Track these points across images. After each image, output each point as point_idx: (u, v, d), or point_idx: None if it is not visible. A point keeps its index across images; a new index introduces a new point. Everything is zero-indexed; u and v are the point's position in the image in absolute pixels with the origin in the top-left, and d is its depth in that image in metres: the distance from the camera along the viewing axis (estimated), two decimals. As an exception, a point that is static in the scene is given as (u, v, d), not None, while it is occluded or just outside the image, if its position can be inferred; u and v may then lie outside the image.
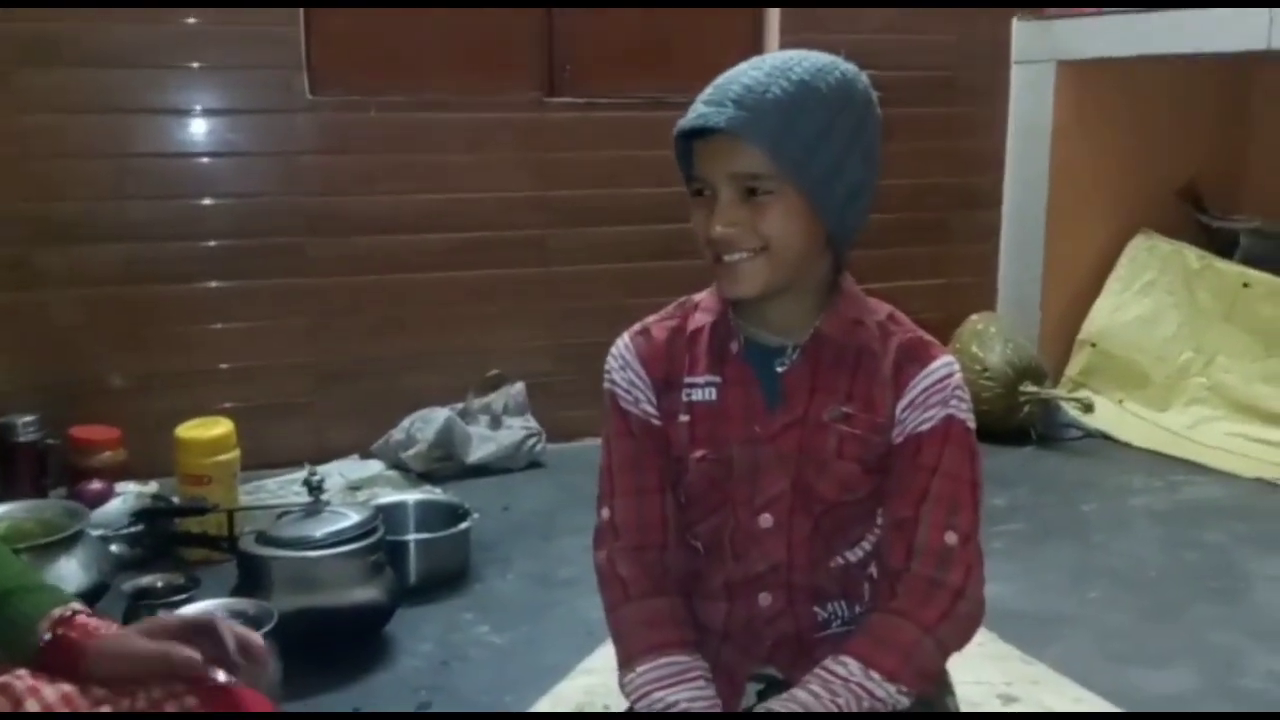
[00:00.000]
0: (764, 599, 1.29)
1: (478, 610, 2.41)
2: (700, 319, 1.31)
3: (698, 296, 1.35)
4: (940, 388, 1.26)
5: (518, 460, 3.28)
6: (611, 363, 1.34)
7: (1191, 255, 3.60)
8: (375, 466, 3.21)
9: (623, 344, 1.34)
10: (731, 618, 1.31)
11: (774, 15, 3.62)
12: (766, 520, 1.27)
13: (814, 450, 1.26)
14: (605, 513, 1.34)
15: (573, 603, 2.39)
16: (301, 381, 3.29)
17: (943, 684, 1.35)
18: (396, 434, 3.22)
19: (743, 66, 1.21)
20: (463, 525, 2.57)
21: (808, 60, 1.21)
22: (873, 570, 1.32)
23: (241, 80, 3.15)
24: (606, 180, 3.51)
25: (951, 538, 1.24)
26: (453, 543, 2.55)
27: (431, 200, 3.36)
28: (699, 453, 1.28)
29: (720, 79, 1.21)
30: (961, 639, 1.26)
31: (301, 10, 3.15)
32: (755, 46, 3.64)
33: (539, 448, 3.33)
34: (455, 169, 3.37)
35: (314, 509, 2.24)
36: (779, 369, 1.27)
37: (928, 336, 1.30)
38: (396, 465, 3.19)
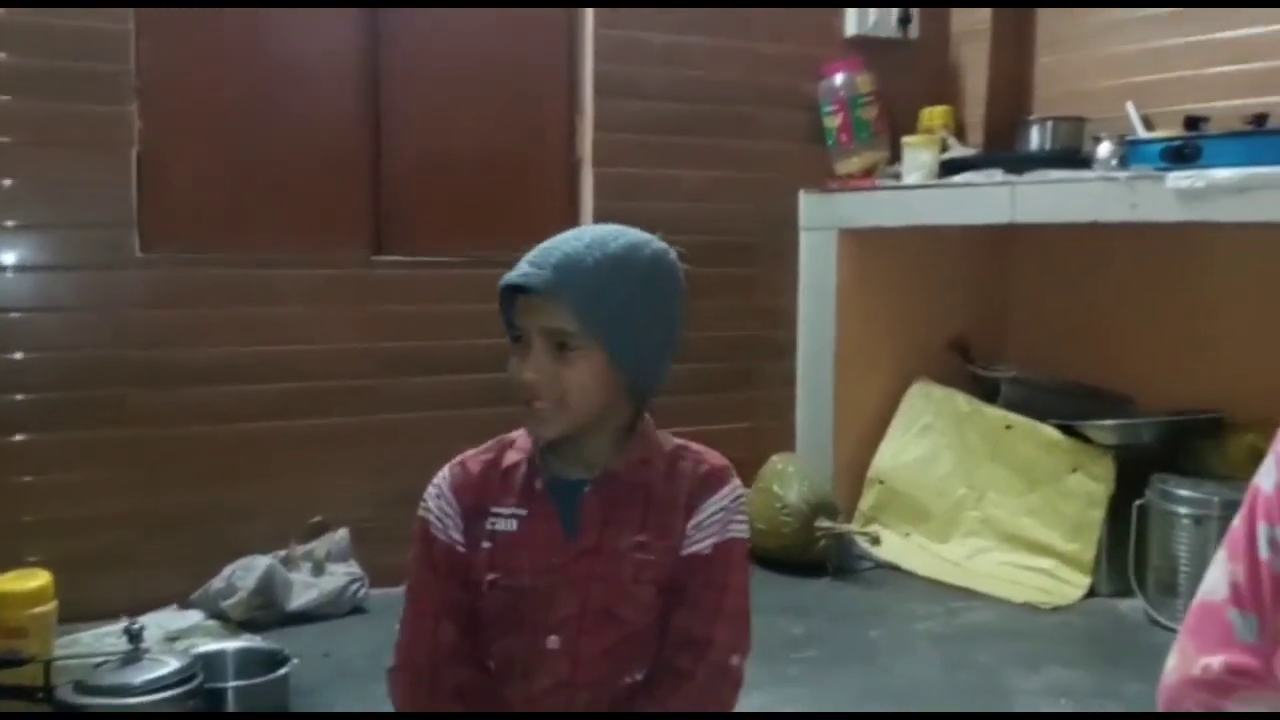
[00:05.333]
0: None
1: (297, 755, 2.46)
2: (513, 456, 1.48)
3: (514, 434, 1.52)
4: (729, 510, 1.45)
5: (340, 606, 3.34)
6: (430, 491, 1.50)
7: (962, 401, 4.00)
8: (194, 616, 3.22)
9: (442, 475, 1.51)
10: None
11: (589, 185, 3.94)
12: (554, 641, 1.42)
13: (613, 578, 1.42)
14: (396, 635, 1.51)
15: (392, 743, 2.47)
16: (118, 533, 3.29)
17: None
18: (217, 583, 3.25)
19: (568, 235, 1.40)
20: (281, 671, 2.63)
21: (625, 236, 1.40)
22: None
23: (68, 239, 3.23)
24: (433, 333, 3.69)
25: (736, 659, 1.45)
26: (272, 689, 2.60)
27: (259, 352, 3.47)
28: (492, 576, 1.44)
29: (547, 242, 1.39)
30: None
31: (134, 169, 3.27)
32: (572, 210, 3.95)
33: (362, 593, 3.40)
34: (284, 322, 3.50)
35: (132, 657, 2.28)
36: (576, 502, 1.43)
37: (717, 462, 1.49)
38: (216, 615, 3.21)
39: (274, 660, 2.67)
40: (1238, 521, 1.36)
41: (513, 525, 1.45)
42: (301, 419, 3.54)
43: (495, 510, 1.46)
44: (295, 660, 2.68)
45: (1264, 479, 1.34)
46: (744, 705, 2.63)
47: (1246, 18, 3.61)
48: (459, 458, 1.53)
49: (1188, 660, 1.31)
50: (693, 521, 1.43)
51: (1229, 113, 3.34)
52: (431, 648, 1.47)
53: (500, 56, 3.85)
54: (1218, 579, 1.33)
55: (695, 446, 1.51)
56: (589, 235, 1.40)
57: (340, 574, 3.39)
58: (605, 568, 1.42)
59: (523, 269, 1.37)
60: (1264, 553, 1.29)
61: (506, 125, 3.88)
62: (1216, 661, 1.27)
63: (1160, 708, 1.33)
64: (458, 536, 1.47)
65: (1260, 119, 3.22)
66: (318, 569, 3.38)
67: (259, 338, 3.47)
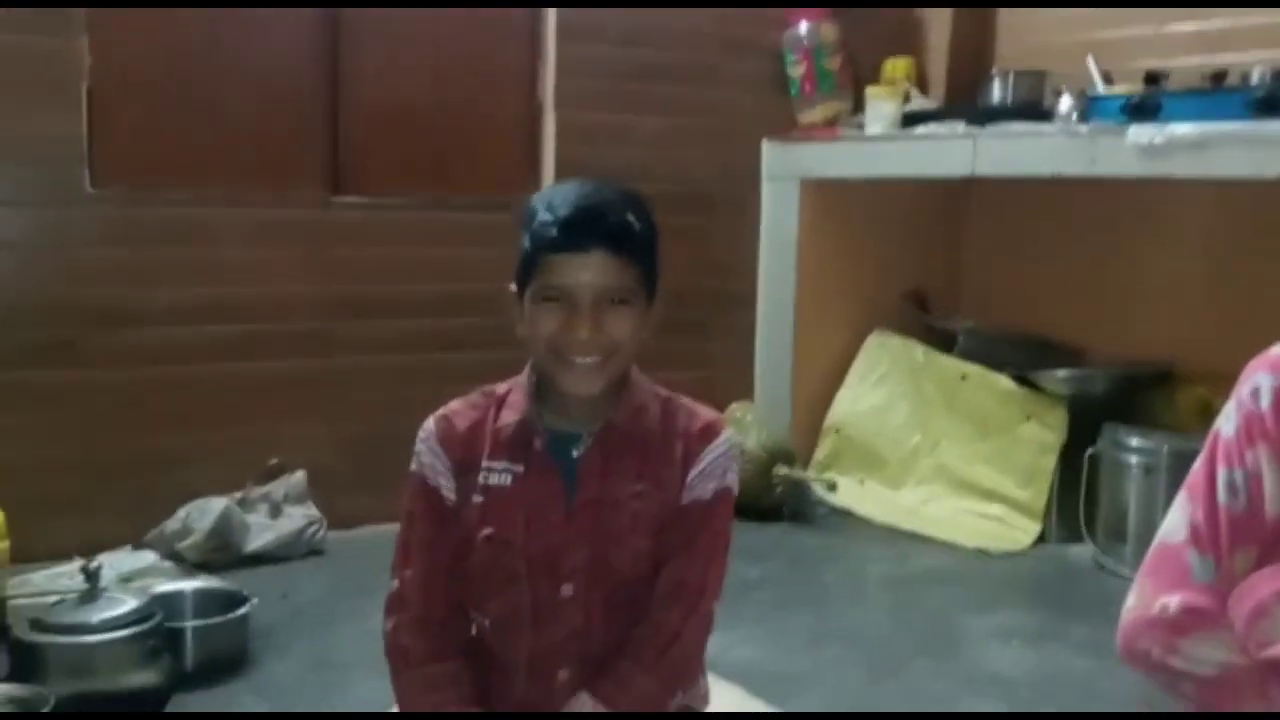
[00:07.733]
0: (562, 675, 1.43)
1: (256, 694, 2.46)
2: (507, 416, 1.45)
3: (502, 388, 1.49)
4: (726, 457, 1.47)
5: (298, 548, 3.33)
6: (420, 445, 1.48)
7: (918, 351, 4.05)
8: (149, 557, 3.18)
9: (429, 426, 1.48)
10: (529, 694, 1.44)
11: (550, 130, 3.90)
12: (567, 589, 1.42)
13: (610, 526, 1.42)
14: (395, 584, 1.47)
15: (352, 686, 2.47)
16: (71, 475, 3.23)
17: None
18: (171, 524, 3.22)
19: (584, 191, 1.38)
20: (240, 611, 2.62)
21: (626, 188, 1.42)
22: None
23: (18, 174, 3.14)
24: (390, 276, 3.65)
25: (710, 603, 1.46)
26: (230, 629, 2.59)
27: (213, 294, 3.42)
28: (486, 531, 1.43)
29: (574, 200, 1.37)
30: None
31: (85, 105, 3.19)
32: (533, 156, 3.91)
33: (319, 535, 3.39)
34: (238, 264, 3.45)
35: (89, 596, 2.26)
36: (575, 454, 1.43)
37: (711, 415, 1.49)
38: (171, 556, 3.18)
39: (232, 601, 2.66)
40: (1198, 465, 1.38)
41: (506, 480, 1.44)
42: (256, 361, 3.49)
43: (487, 465, 1.44)
44: (254, 600, 2.67)
45: (1225, 424, 1.37)
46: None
47: (1206, -25, 3.65)
48: (444, 409, 1.50)
49: (1145, 599, 1.34)
50: (695, 470, 1.44)
51: (1187, 69, 3.37)
52: (444, 597, 1.46)
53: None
54: (1177, 521, 1.36)
55: (686, 400, 1.51)
56: (602, 189, 1.41)
57: (298, 516, 3.37)
58: (606, 517, 1.42)
59: (575, 229, 1.35)
60: (1223, 496, 1.32)
61: (467, 70, 3.81)
62: (1174, 601, 1.30)
63: (1119, 645, 1.37)
64: (448, 488, 1.46)
65: (1219, 76, 3.25)
66: (275, 511, 3.36)
67: (213, 278, 3.41)
